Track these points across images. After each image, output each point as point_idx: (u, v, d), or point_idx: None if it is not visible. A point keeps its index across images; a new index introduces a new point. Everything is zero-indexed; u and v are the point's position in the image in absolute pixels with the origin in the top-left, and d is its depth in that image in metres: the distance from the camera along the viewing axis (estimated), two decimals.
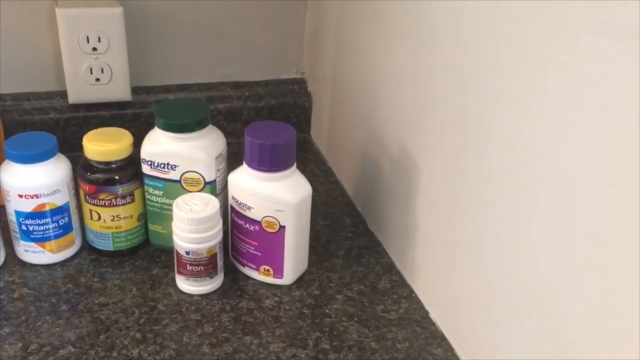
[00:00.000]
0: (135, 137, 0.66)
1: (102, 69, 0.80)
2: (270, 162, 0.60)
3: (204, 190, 0.64)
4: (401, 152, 0.64)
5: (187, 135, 0.63)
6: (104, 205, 0.64)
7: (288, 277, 0.64)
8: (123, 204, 0.65)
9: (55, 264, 0.66)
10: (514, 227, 0.48)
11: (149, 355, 0.56)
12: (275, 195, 0.60)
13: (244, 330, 0.59)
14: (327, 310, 0.62)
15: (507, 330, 0.50)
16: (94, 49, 0.78)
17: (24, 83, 0.82)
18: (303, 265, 0.66)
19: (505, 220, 0.49)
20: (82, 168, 0.64)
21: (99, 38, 0.78)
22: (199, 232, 0.60)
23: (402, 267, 0.67)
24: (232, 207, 0.64)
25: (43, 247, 0.65)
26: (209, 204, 0.61)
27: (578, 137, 0.40)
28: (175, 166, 0.63)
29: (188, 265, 0.61)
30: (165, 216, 0.66)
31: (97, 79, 0.80)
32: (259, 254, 0.64)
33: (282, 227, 0.61)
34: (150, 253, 0.69)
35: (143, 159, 0.64)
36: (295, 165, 0.62)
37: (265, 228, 0.62)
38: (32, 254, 0.65)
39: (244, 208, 0.62)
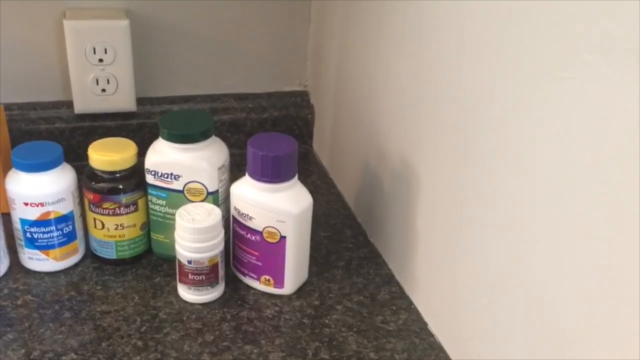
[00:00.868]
0: (140, 147, 0.67)
1: (108, 80, 0.81)
2: (272, 173, 0.60)
3: (207, 200, 0.65)
4: (402, 164, 0.65)
5: (190, 146, 0.64)
6: (108, 214, 0.65)
7: (288, 287, 0.65)
8: (127, 213, 0.66)
9: (58, 272, 0.67)
10: (514, 240, 0.49)
11: None
12: (277, 206, 0.61)
13: (244, 340, 0.60)
14: (326, 321, 0.63)
15: (506, 342, 0.51)
16: (101, 60, 0.80)
17: (31, 93, 0.84)
18: (303, 276, 0.67)
19: (504, 233, 0.50)
20: (86, 177, 0.65)
21: (106, 50, 0.79)
22: (201, 241, 0.61)
23: (402, 279, 0.68)
24: (234, 217, 0.65)
25: (47, 254, 0.66)
26: (211, 214, 0.62)
27: (576, 151, 0.41)
28: (179, 176, 0.64)
29: (190, 274, 0.62)
30: (168, 225, 0.67)
31: (103, 90, 0.81)
32: (260, 264, 0.64)
33: (283, 238, 0.62)
34: (152, 262, 0.69)
35: (147, 168, 0.65)
36: (296, 177, 0.63)
37: (266, 238, 0.63)
38: (36, 261, 0.66)
39: (246, 218, 0.63)
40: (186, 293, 0.64)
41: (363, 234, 0.76)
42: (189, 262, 0.62)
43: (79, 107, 0.83)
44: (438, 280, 0.60)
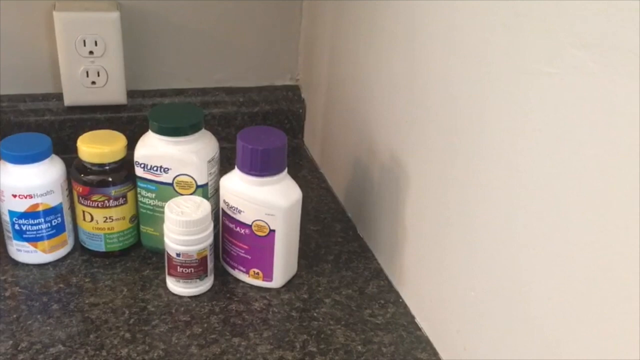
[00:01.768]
0: (130, 140, 0.67)
1: (98, 72, 0.81)
2: (261, 167, 0.61)
3: (196, 193, 0.65)
4: (392, 160, 0.65)
5: (180, 139, 0.64)
6: (97, 207, 0.65)
7: (277, 280, 0.65)
8: (116, 206, 0.66)
9: (47, 264, 0.67)
10: (501, 235, 0.49)
11: (137, 355, 0.57)
12: (266, 200, 0.61)
13: (232, 332, 0.60)
14: (315, 314, 0.63)
15: (492, 335, 0.51)
16: (91, 52, 0.79)
17: (21, 85, 0.83)
18: (292, 269, 0.67)
19: (492, 227, 0.50)
20: (75, 169, 0.65)
21: (96, 42, 0.79)
22: (190, 234, 0.61)
23: (390, 273, 0.68)
24: (223, 211, 0.65)
25: (36, 246, 0.66)
26: (201, 207, 0.62)
27: (562, 146, 0.41)
28: (168, 169, 0.64)
29: (178, 267, 0.62)
30: (157, 218, 0.67)
31: (93, 82, 0.81)
32: (249, 257, 0.64)
33: (272, 231, 0.62)
34: (141, 254, 0.69)
35: (136, 161, 0.65)
36: (286, 171, 0.63)
37: (255, 232, 0.63)
38: (25, 253, 0.66)
39: (235, 211, 0.63)
40: (175, 286, 0.64)
41: (352, 228, 0.76)
42: (178, 255, 0.62)
43: (69, 100, 0.82)
44: (426, 274, 0.61)
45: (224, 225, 0.65)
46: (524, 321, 0.47)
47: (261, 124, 0.91)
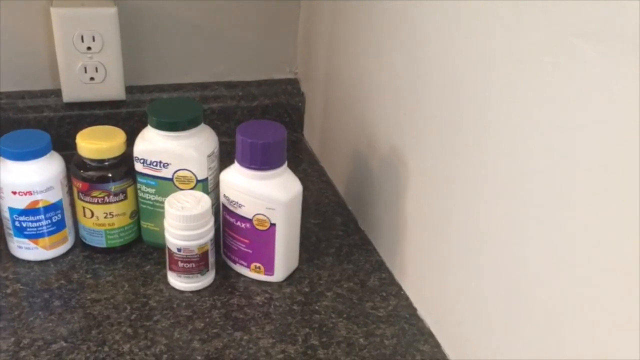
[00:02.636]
0: (129, 135, 0.66)
1: (96, 68, 0.80)
2: (261, 161, 0.60)
3: (196, 188, 0.65)
4: (392, 152, 0.65)
5: (179, 134, 0.64)
6: (97, 203, 0.65)
7: (279, 274, 0.65)
8: (116, 202, 0.66)
9: (48, 261, 0.67)
10: (503, 226, 0.49)
11: (140, 350, 0.57)
12: (266, 194, 0.61)
13: (234, 326, 0.60)
14: (316, 307, 0.63)
15: (494, 327, 0.51)
16: (89, 48, 0.79)
17: (19, 81, 0.83)
18: (294, 263, 0.67)
19: (493, 219, 0.50)
20: (75, 166, 0.65)
21: (94, 37, 0.78)
22: (191, 229, 0.61)
23: (392, 265, 0.68)
24: (223, 205, 0.65)
25: (36, 243, 0.65)
26: (201, 202, 0.62)
27: (562, 134, 0.41)
28: (168, 164, 0.64)
29: (179, 262, 0.62)
30: (157, 214, 0.67)
31: (92, 78, 0.81)
32: (250, 252, 0.64)
33: (272, 225, 0.62)
34: (142, 250, 0.69)
35: (136, 156, 0.65)
36: (286, 164, 0.63)
37: (256, 226, 0.63)
38: (26, 250, 0.66)
39: (235, 206, 0.63)
40: (176, 281, 0.64)
41: (353, 222, 0.76)
42: (179, 250, 0.62)
43: (68, 96, 0.82)
44: (427, 266, 0.61)
45: (225, 219, 0.65)
46: (526, 312, 0.47)
47: (260, 117, 0.91)
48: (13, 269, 0.66)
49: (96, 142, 0.64)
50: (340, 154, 0.80)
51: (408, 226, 0.64)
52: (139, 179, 0.66)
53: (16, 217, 0.64)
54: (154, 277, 0.66)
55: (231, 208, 0.63)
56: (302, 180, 0.64)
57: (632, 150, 0.36)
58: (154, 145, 0.64)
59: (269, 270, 0.65)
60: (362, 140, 0.72)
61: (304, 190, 0.64)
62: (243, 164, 0.61)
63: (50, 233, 0.66)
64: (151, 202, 0.67)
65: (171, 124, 0.63)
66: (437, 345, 0.59)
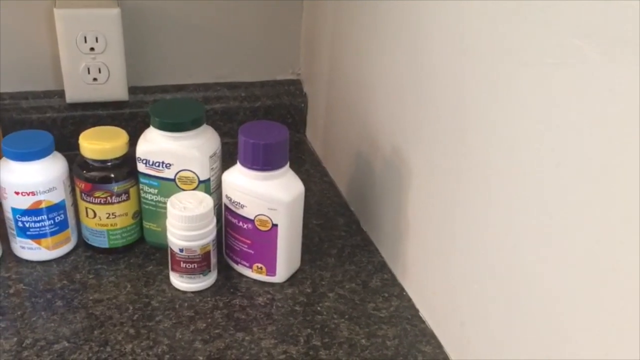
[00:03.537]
0: (132, 136, 0.67)
1: (99, 69, 0.81)
2: (263, 162, 0.60)
3: (198, 188, 0.65)
4: (394, 152, 0.65)
5: (181, 134, 0.64)
6: (100, 203, 0.65)
7: (281, 275, 0.65)
8: (118, 202, 0.66)
9: (51, 261, 0.67)
10: (504, 227, 0.49)
11: (142, 350, 0.57)
12: (268, 194, 0.61)
13: (236, 327, 0.60)
14: (318, 308, 0.63)
15: (496, 328, 0.51)
16: (92, 48, 0.79)
17: (22, 82, 0.83)
18: (296, 264, 0.67)
19: (495, 220, 0.50)
20: (78, 166, 0.65)
21: (97, 38, 0.79)
22: (193, 229, 0.61)
23: (394, 266, 0.68)
24: (225, 206, 0.65)
25: (39, 243, 0.66)
26: (203, 202, 0.62)
27: (564, 135, 0.41)
28: (170, 165, 0.64)
29: (182, 263, 0.62)
30: (159, 214, 0.67)
31: (95, 79, 0.81)
32: (252, 252, 0.64)
33: (274, 226, 0.62)
34: (144, 250, 0.70)
35: (138, 157, 0.65)
36: (288, 165, 0.63)
37: (258, 226, 0.63)
38: (28, 250, 0.66)
39: (238, 206, 0.63)
40: (178, 281, 0.64)
41: (356, 222, 0.76)
42: (181, 250, 0.62)
43: (71, 97, 0.82)
44: (429, 267, 0.61)
45: (227, 220, 0.65)
46: (528, 313, 0.47)
47: (263, 118, 0.91)
48: (16, 269, 0.66)
49: (99, 143, 0.64)
50: (343, 155, 0.80)
51: (410, 227, 0.64)
52: (141, 180, 0.66)
53: (19, 217, 0.64)
54: (156, 278, 0.66)
55: (233, 208, 0.63)
56: (305, 181, 0.64)
57: (634, 151, 0.36)
58: (156, 145, 0.64)
59: (271, 270, 0.65)
60: (365, 141, 0.72)
61: (306, 191, 0.64)
62: (245, 164, 0.61)
63: (52, 233, 0.66)
64: (153, 203, 0.67)
65: (174, 124, 0.63)
66: (439, 346, 0.59)
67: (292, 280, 0.66)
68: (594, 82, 0.38)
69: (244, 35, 0.88)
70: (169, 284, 0.65)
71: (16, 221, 0.64)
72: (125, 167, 0.66)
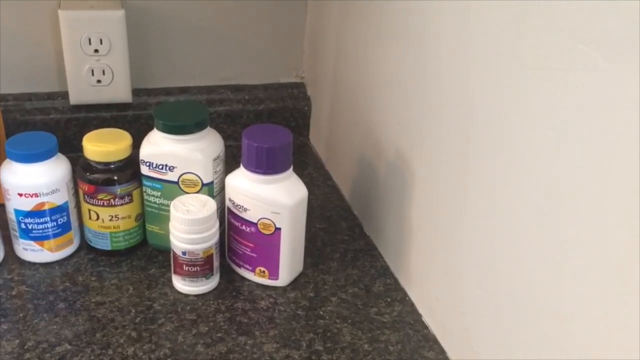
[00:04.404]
0: (136, 138, 0.67)
1: (103, 71, 0.81)
2: (266, 165, 0.60)
3: (202, 191, 0.65)
4: (398, 157, 0.65)
5: (185, 137, 0.64)
6: (103, 205, 0.65)
7: (283, 278, 0.65)
8: (121, 204, 0.66)
9: (53, 263, 0.67)
10: (508, 232, 0.49)
11: (144, 353, 0.57)
12: (272, 198, 0.61)
13: (238, 331, 0.60)
14: (321, 312, 0.63)
15: (499, 333, 0.51)
16: (96, 50, 0.79)
17: (26, 83, 0.83)
18: (298, 267, 0.67)
19: (499, 225, 0.50)
20: (81, 168, 0.65)
21: (101, 40, 0.79)
22: (196, 232, 0.61)
23: (397, 271, 0.68)
24: (228, 209, 0.65)
25: (42, 245, 0.66)
26: (206, 205, 0.62)
27: (570, 143, 0.41)
28: (173, 167, 0.64)
29: (184, 266, 0.62)
30: (162, 217, 0.67)
31: (99, 81, 0.81)
32: (255, 256, 0.64)
33: (277, 229, 0.62)
34: (147, 253, 0.69)
35: (141, 159, 0.65)
36: (291, 169, 0.63)
37: (261, 230, 0.63)
38: (31, 252, 0.66)
39: (241, 210, 0.63)
40: (181, 284, 0.64)
41: (359, 226, 0.76)
42: (184, 253, 0.62)
43: (75, 98, 0.82)
44: (433, 272, 0.60)
45: (230, 223, 0.65)
46: (532, 319, 0.46)
47: (266, 121, 0.90)
48: (18, 271, 0.66)
49: (102, 145, 0.64)
50: (346, 159, 0.80)
51: (414, 232, 0.63)
52: (144, 182, 0.66)
53: (22, 219, 0.64)
54: (158, 280, 0.66)
55: (236, 212, 0.63)
56: (308, 185, 0.64)
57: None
58: (160, 148, 0.64)
59: (274, 274, 0.65)
60: (369, 144, 0.72)
61: (309, 195, 0.64)
62: (249, 168, 0.61)
63: (55, 235, 0.66)
64: (157, 205, 0.67)
65: (177, 127, 0.63)
66: (442, 352, 0.59)
67: (294, 284, 0.66)
68: (600, 87, 0.38)
69: (247, 38, 0.88)
70: (172, 287, 0.65)
71: (19, 223, 0.64)
72: (128, 169, 0.65)
